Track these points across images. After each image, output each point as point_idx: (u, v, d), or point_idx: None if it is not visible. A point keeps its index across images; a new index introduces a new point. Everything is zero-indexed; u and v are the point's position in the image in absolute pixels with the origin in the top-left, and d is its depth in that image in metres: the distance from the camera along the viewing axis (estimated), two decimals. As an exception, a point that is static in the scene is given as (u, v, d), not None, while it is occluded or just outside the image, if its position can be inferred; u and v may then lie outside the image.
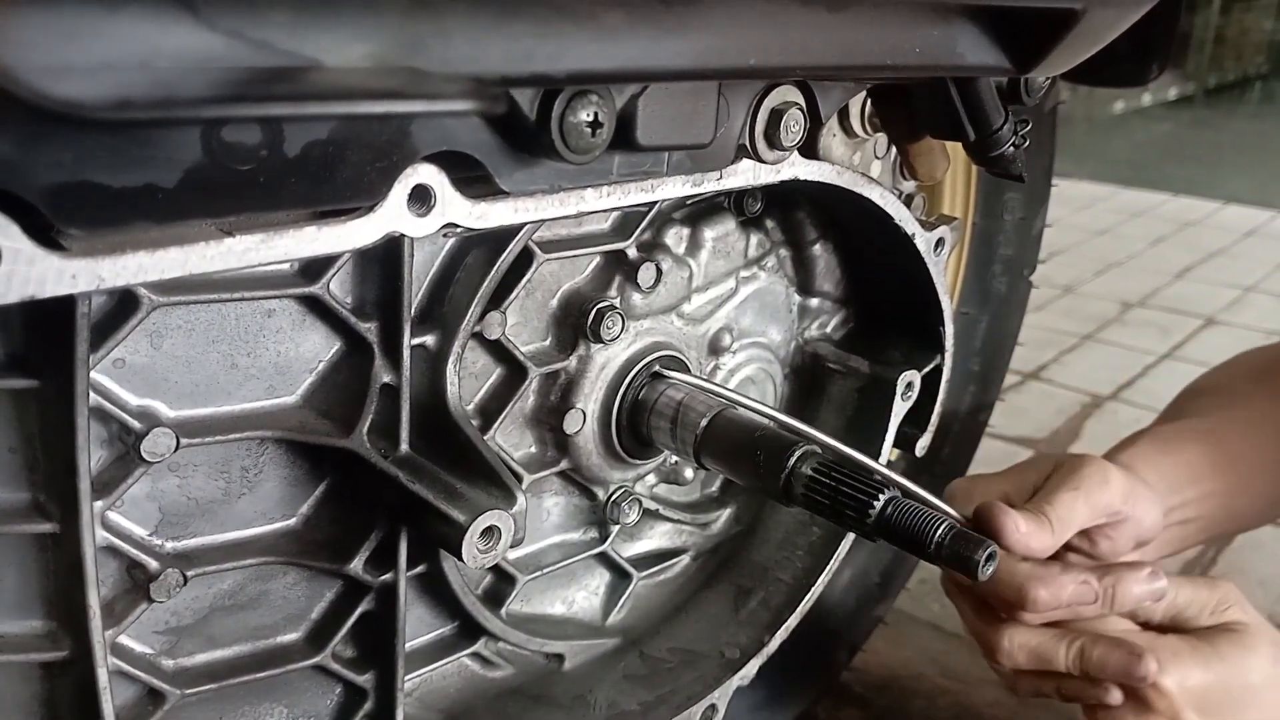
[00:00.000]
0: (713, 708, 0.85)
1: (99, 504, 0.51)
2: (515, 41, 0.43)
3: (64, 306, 0.44)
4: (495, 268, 0.59)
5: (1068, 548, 0.86)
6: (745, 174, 0.62)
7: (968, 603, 0.91)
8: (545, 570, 0.78)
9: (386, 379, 0.57)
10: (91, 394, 0.47)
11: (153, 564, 0.54)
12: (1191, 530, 1.01)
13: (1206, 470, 0.98)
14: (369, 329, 0.56)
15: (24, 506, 0.49)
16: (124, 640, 0.56)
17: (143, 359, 0.51)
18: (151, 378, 0.52)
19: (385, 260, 0.55)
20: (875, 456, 0.87)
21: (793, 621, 0.89)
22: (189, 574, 0.56)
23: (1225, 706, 0.82)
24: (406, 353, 0.57)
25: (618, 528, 0.81)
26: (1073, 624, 0.85)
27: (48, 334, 0.45)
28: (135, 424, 0.51)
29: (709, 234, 0.77)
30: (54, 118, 0.33)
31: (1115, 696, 0.83)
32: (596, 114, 0.48)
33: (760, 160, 0.62)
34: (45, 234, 0.37)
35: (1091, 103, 5.56)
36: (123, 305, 0.48)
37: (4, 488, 0.48)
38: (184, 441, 0.52)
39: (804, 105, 0.61)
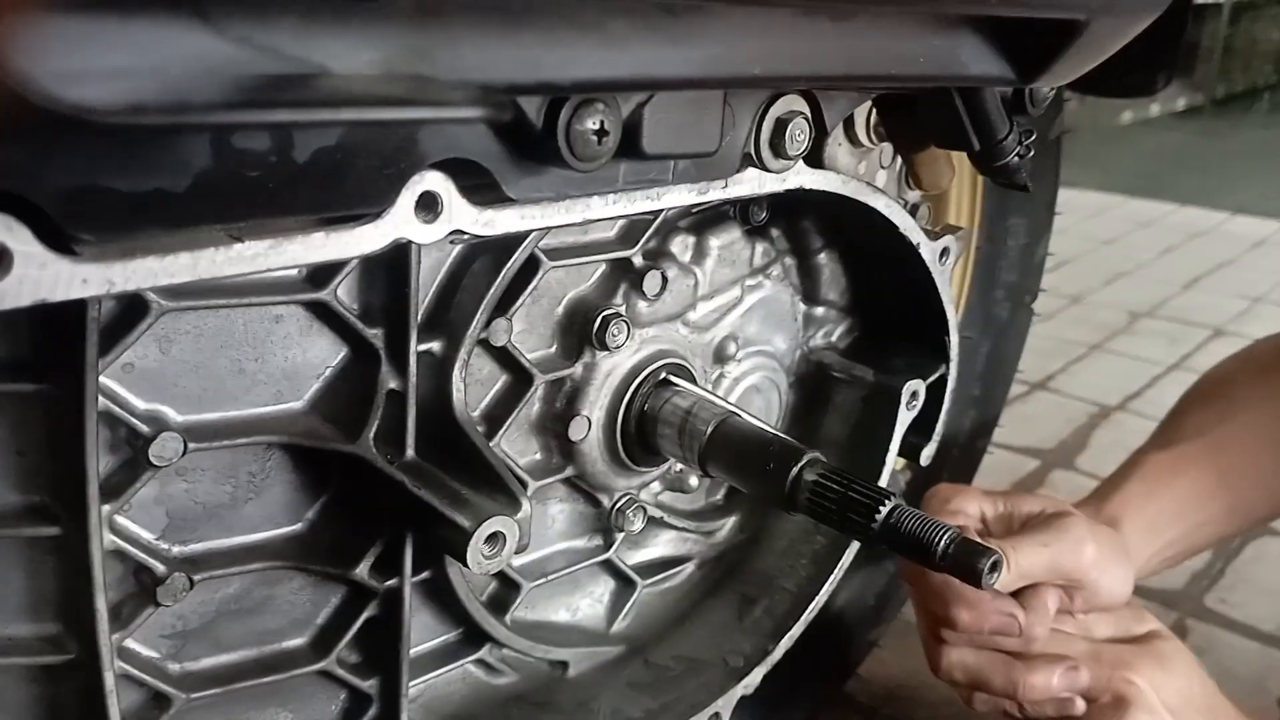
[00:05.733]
0: (716, 716, 0.84)
1: (107, 508, 0.51)
2: (522, 50, 0.43)
3: (74, 311, 0.44)
4: (501, 275, 0.59)
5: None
6: (750, 183, 0.62)
7: (917, 604, 0.93)
8: (550, 577, 0.78)
9: (393, 385, 0.57)
10: (100, 398, 0.48)
11: (160, 568, 0.55)
12: (1182, 554, 1.02)
13: (1202, 499, 0.99)
14: (375, 335, 0.57)
15: (32, 510, 0.49)
16: (130, 644, 0.57)
17: (151, 363, 0.52)
18: (160, 382, 0.52)
19: (392, 267, 0.55)
20: (880, 466, 0.88)
21: (797, 630, 0.89)
22: (196, 578, 0.56)
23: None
24: (413, 359, 0.57)
25: (622, 535, 0.81)
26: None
27: (57, 338, 0.46)
28: (143, 428, 0.51)
29: (714, 242, 0.77)
30: (66, 123, 0.33)
31: (1079, 706, 0.85)
32: (603, 122, 0.49)
33: (765, 169, 0.62)
34: (56, 238, 0.37)
35: (1099, 113, 5.55)
36: (132, 310, 0.48)
37: (12, 491, 0.49)
38: (192, 446, 0.52)
39: (809, 114, 0.62)
